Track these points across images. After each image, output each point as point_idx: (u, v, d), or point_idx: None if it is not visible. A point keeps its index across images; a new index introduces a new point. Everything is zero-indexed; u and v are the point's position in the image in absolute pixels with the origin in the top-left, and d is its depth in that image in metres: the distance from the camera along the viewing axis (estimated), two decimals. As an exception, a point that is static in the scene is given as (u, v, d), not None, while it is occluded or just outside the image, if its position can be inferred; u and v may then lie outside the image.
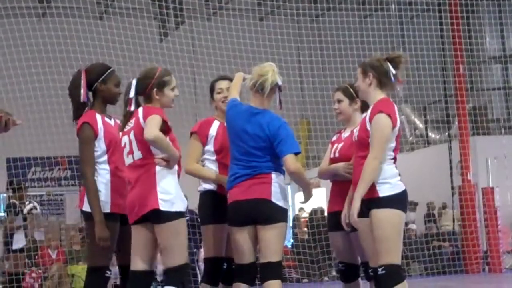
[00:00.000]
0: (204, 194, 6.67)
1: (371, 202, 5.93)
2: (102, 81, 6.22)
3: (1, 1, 18.48)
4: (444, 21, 20.01)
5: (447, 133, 21.30)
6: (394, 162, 6.04)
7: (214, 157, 6.67)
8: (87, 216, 6.12)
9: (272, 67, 6.23)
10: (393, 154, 6.03)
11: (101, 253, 6.06)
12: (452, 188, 19.62)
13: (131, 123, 5.96)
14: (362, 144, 6.03)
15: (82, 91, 6.21)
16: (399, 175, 6.03)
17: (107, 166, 6.14)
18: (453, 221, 19.93)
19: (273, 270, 6.05)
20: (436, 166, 20.89)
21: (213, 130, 6.70)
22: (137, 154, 5.91)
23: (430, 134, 23.69)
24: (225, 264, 6.67)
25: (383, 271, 5.86)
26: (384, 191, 5.92)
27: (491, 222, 18.62)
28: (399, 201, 5.95)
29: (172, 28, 21.75)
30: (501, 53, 23.72)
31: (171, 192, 5.84)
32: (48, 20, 19.02)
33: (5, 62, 17.64)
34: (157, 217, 5.79)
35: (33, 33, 17.66)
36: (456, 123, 20.29)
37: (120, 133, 6.10)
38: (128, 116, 6.01)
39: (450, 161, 19.81)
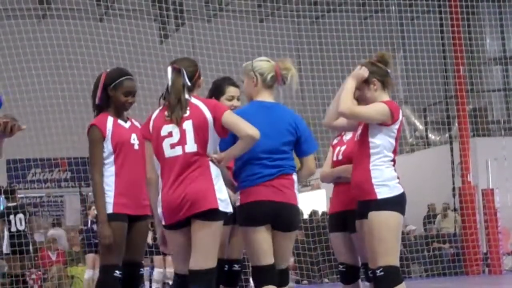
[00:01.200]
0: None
1: (369, 204, 5.94)
2: (113, 87, 6.27)
3: (1, 2, 18.48)
4: (444, 22, 20.01)
5: (447, 135, 21.29)
6: (394, 165, 6.05)
7: (215, 160, 6.67)
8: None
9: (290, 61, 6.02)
10: (392, 155, 6.03)
11: (111, 252, 6.12)
12: (453, 189, 19.62)
13: (185, 113, 5.54)
14: (363, 145, 6.03)
15: (98, 93, 6.28)
16: (398, 177, 6.03)
17: (112, 168, 6.19)
18: (454, 222, 19.93)
19: (285, 277, 5.89)
20: (436, 168, 20.89)
21: (212, 131, 6.68)
22: (192, 147, 5.50)
23: (430, 135, 23.69)
24: (226, 266, 6.68)
25: (381, 273, 5.87)
26: (382, 193, 5.93)
27: (491, 224, 18.61)
28: (397, 203, 5.95)
29: (172, 30, 21.76)
30: (501, 55, 23.73)
31: (226, 193, 5.60)
32: (48, 21, 19.05)
33: (5, 63, 17.65)
34: (212, 215, 5.49)
35: (33, 35, 17.67)
36: (456, 124, 20.28)
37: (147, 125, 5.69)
38: (187, 104, 5.57)
39: (452, 162, 19.80)
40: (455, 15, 19.29)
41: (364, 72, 6.07)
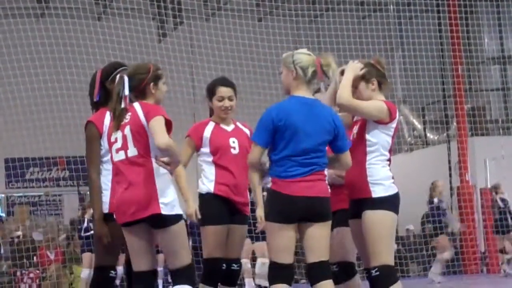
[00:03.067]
0: (204, 196, 6.68)
1: (364, 202, 5.93)
2: (111, 80, 6.18)
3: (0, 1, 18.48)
4: (442, 21, 20.02)
5: (445, 134, 21.30)
6: (389, 165, 6.04)
7: (210, 159, 6.71)
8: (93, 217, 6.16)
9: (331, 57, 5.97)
10: (388, 155, 6.02)
11: (106, 253, 6.07)
12: (451, 189, 19.62)
13: (126, 119, 5.74)
14: (360, 143, 6.03)
15: (96, 90, 6.23)
16: (393, 177, 6.02)
17: (110, 166, 6.04)
18: (452, 221, 19.92)
19: (327, 269, 5.80)
20: (434, 167, 20.89)
21: (208, 131, 6.73)
22: (132, 151, 5.68)
23: (428, 134, 23.69)
24: (224, 265, 6.69)
25: (377, 273, 5.86)
26: (377, 192, 5.92)
27: (489, 223, 18.62)
28: (392, 203, 5.94)
29: (171, 29, 21.75)
30: (500, 54, 23.72)
31: (170, 195, 5.66)
32: (46, 20, 19.01)
33: (3, 62, 17.65)
34: (158, 221, 5.62)
35: (31, 34, 17.65)
36: (455, 123, 20.31)
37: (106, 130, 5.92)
38: (122, 113, 5.75)
39: (449, 161, 19.81)
40: (453, 15, 19.31)
41: (359, 65, 6.07)
